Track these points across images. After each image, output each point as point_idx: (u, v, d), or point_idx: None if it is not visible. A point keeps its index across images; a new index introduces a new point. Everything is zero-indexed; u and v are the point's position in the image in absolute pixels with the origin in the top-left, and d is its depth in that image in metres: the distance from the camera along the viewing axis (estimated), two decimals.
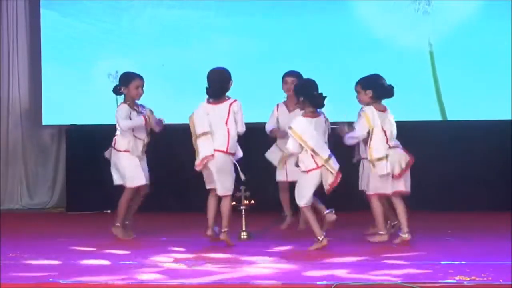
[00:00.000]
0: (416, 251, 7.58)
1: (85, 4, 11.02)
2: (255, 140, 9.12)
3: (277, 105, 9.10)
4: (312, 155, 7.71)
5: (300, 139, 7.73)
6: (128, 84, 8.49)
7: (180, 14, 10.89)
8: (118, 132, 8.53)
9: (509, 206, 10.02)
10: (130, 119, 8.42)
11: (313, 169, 7.74)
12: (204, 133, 7.91)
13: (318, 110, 7.90)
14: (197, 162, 7.92)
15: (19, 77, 11.32)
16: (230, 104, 7.92)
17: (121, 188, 8.49)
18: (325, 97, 7.87)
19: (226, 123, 7.89)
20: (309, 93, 7.84)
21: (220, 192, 7.95)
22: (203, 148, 7.90)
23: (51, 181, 11.46)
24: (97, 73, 10.97)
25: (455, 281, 6.20)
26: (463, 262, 6.93)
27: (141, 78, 8.54)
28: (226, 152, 7.89)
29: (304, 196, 7.79)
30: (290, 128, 7.81)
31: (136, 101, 8.54)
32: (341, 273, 6.60)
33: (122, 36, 11.01)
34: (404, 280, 6.20)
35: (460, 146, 10.44)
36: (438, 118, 10.61)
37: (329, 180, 7.73)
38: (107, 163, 8.46)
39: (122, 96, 8.56)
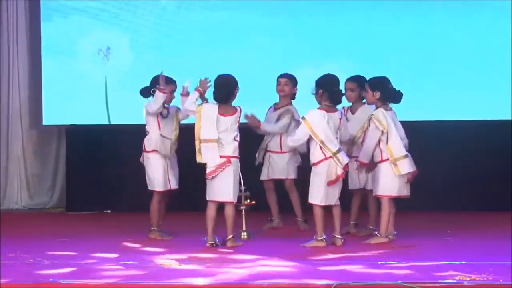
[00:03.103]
0: (416, 251, 7.58)
1: (84, 3, 11.01)
2: (255, 140, 9.12)
3: (270, 108, 9.12)
4: (320, 147, 7.79)
5: (310, 130, 7.80)
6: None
7: (182, 11, 10.91)
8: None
9: (509, 206, 10.02)
10: (162, 114, 8.33)
11: (322, 160, 7.81)
12: (211, 140, 7.86)
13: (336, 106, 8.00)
14: (210, 170, 7.85)
15: (19, 77, 11.31)
16: (239, 116, 7.95)
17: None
18: (343, 94, 8.03)
19: (235, 130, 7.93)
20: (329, 88, 7.91)
21: (229, 199, 7.91)
22: (209, 155, 7.84)
23: (51, 181, 11.46)
24: (94, 70, 11.00)
25: (455, 281, 6.20)
26: (463, 262, 6.93)
27: (175, 83, 8.48)
28: (237, 158, 7.92)
29: (317, 193, 7.84)
30: (303, 118, 7.91)
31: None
32: (341, 273, 6.60)
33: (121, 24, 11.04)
34: (404, 280, 6.20)
35: (460, 146, 10.44)
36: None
37: (339, 172, 7.81)
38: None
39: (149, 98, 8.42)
